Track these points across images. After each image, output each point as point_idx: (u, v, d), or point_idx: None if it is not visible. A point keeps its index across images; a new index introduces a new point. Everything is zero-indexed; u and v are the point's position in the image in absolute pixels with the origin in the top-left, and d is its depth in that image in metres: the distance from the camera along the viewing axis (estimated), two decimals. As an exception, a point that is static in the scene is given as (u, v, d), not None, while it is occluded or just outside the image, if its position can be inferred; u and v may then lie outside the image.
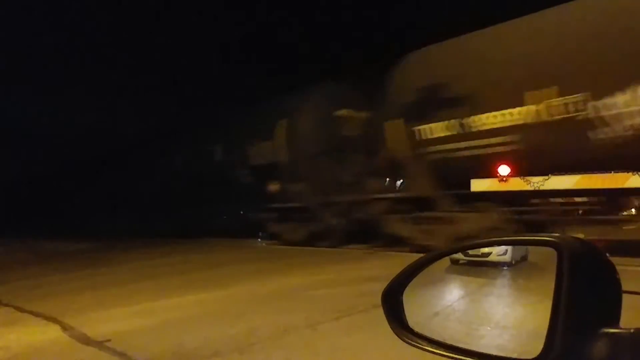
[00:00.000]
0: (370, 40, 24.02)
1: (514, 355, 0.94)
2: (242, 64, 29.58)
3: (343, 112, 14.05)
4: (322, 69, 19.98)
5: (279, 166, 14.93)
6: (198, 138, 19.88)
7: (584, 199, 9.49)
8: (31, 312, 6.12)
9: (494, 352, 0.96)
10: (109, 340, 4.56)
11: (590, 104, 8.27)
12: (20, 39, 30.88)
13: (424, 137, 10.90)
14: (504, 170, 9.60)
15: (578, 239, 0.92)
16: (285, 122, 14.89)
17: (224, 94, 25.89)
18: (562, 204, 9.90)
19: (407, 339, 1.07)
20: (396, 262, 7.39)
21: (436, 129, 10.65)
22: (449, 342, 1.03)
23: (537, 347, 0.85)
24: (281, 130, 15.00)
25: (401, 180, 13.83)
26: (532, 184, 9.24)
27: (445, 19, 16.66)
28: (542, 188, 9.13)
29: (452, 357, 0.97)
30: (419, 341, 1.05)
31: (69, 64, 30.72)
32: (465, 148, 10.09)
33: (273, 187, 15.25)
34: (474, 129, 9.90)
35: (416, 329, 1.08)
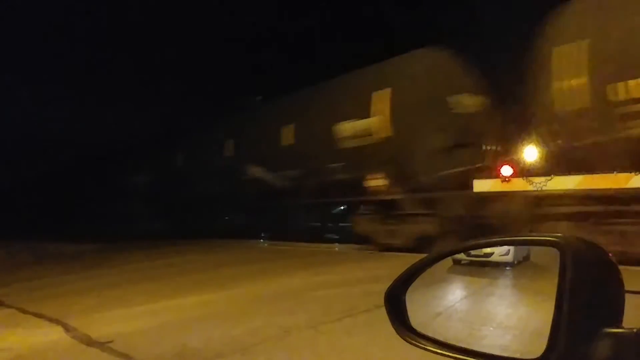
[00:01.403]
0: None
1: (517, 355, 0.94)
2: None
3: (456, 82, 11.24)
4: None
5: (375, 150, 11.79)
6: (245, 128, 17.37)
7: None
8: (33, 314, 6.13)
9: (497, 353, 0.96)
10: (111, 342, 4.56)
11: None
12: (19, 38, 30.95)
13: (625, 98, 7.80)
14: (506, 170, 9.59)
15: (581, 238, 0.91)
16: (387, 92, 11.63)
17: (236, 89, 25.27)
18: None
19: (409, 339, 1.07)
20: (398, 262, 7.40)
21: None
22: (452, 342, 1.03)
23: (540, 347, 0.85)
24: (381, 102, 11.71)
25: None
26: (534, 184, 9.22)
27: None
28: (544, 189, 9.10)
29: (454, 357, 0.97)
30: (422, 341, 1.05)
31: (69, 64, 30.79)
32: None
33: (375, 180, 11.89)
34: None
35: (419, 329, 1.08)
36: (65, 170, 30.80)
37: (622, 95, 7.77)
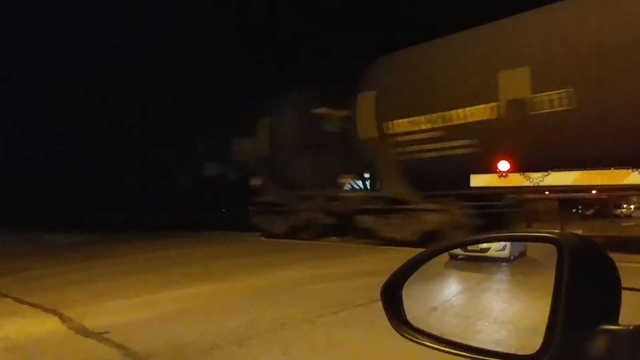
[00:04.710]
0: (351, 40, 24.20)
1: (512, 351, 0.94)
2: (227, 61, 29.65)
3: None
4: (303, 68, 21.12)
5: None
6: (182, 133, 20.70)
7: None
8: (30, 304, 6.12)
9: (492, 348, 0.96)
10: (107, 332, 4.57)
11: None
12: (17, 33, 30.73)
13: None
14: (503, 166, 9.61)
15: (578, 235, 0.91)
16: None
17: (214, 88, 26.05)
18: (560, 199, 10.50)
19: (405, 334, 1.06)
20: (395, 256, 7.43)
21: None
22: (447, 336, 1.03)
23: (536, 343, 0.85)
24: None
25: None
26: (531, 179, 9.24)
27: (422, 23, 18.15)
28: (541, 184, 9.13)
29: (450, 352, 0.97)
30: (418, 336, 1.05)
31: (67, 58, 30.58)
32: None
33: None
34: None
35: (415, 323, 1.08)
36: (62, 162, 30.71)
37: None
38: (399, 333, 1.08)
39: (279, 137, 15.29)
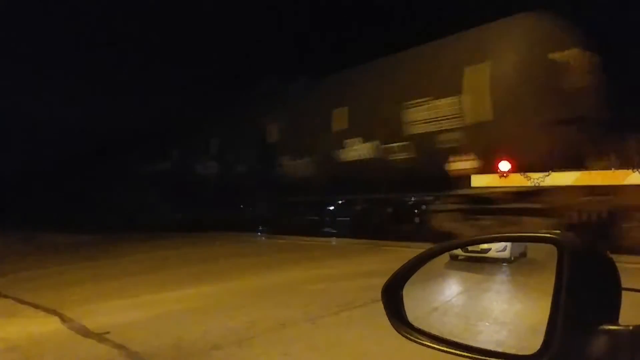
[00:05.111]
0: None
1: (512, 351, 0.95)
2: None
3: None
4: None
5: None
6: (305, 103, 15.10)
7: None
8: (31, 304, 6.12)
9: (492, 348, 0.96)
10: (108, 333, 4.57)
11: None
12: (16, 32, 30.73)
13: None
14: (504, 166, 9.55)
15: (578, 236, 0.91)
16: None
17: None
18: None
19: (406, 334, 1.07)
20: (395, 257, 7.41)
21: None
22: (448, 337, 1.04)
23: (536, 343, 0.85)
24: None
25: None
26: (532, 180, 9.19)
27: None
28: (542, 184, 9.09)
29: (450, 352, 0.98)
30: (418, 336, 1.05)
31: (67, 57, 30.56)
32: None
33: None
34: None
35: (415, 323, 1.09)
36: (63, 161, 30.71)
37: None
38: (400, 333, 1.08)
39: (505, 95, 9.59)
